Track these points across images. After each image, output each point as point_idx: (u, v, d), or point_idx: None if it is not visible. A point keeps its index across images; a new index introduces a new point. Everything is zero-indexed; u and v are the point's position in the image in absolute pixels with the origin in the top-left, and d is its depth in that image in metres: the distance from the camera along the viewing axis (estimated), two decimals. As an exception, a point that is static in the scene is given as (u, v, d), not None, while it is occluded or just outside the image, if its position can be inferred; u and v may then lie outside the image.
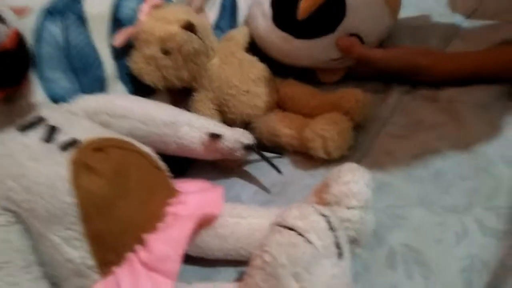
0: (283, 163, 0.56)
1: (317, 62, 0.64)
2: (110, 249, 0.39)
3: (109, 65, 0.56)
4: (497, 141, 0.51)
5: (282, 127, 0.57)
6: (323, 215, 0.34)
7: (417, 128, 0.56)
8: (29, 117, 0.42)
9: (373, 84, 0.63)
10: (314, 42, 0.61)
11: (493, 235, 0.42)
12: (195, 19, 0.55)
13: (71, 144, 0.41)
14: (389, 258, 0.42)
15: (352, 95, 0.55)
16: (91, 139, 0.42)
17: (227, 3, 0.76)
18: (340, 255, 0.34)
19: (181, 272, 0.40)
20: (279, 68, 0.65)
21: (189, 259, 0.45)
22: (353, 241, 0.39)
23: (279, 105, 0.62)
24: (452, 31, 0.68)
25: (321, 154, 0.52)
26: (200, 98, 0.59)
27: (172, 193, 0.47)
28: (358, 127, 0.57)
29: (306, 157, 0.55)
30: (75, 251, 0.38)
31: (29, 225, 0.38)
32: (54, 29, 0.51)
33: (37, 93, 0.50)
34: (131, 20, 0.57)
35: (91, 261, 0.38)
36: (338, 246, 0.34)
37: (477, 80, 0.56)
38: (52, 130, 0.42)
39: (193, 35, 0.54)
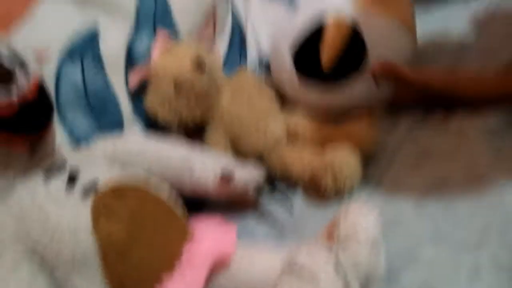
0: (295, 199, 0.57)
1: (355, 103, 0.61)
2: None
3: (125, 105, 0.58)
4: (509, 172, 0.51)
5: (293, 160, 0.58)
6: (332, 255, 0.35)
7: (427, 157, 0.57)
8: (52, 162, 0.44)
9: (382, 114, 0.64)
10: (344, 85, 0.59)
11: (507, 272, 0.42)
12: (205, 56, 0.57)
13: (91, 189, 0.42)
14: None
15: (360, 126, 0.56)
16: (109, 182, 0.43)
17: (236, 38, 0.78)
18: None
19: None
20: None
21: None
22: (365, 281, 0.40)
23: (289, 137, 0.63)
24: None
25: (332, 188, 0.53)
26: (213, 133, 0.60)
27: (188, 233, 0.47)
28: (368, 158, 0.58)
29: (317, 192, 0.56)
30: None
31: (53, 270, 0.39)
32: (73, 71, 0.54)
33: (59, 136, 0.52)
34: (145, 58, 0.59)
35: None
36: (347, 286, 0.35)
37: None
38: (74, 175, 0.43)
39: (204, 74, 0.55)
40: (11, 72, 0.38)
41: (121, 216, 0.41)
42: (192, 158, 0.53)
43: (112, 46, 0.57)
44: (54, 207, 0.40)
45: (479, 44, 0.69)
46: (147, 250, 0.41)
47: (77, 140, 0.53)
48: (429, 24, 0.70)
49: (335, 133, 0.59)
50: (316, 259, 0.34)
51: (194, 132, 0.62)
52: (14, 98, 0.38)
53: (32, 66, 0.45)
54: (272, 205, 0.56)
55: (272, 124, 0.61)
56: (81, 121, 0.54)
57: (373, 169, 0.57)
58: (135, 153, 0.51)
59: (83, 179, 0.43)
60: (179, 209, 0.48)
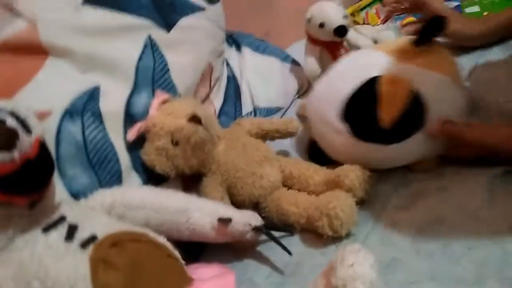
0: (294, 242, 0.57)
1: (412, 159, 0.60)
2: None
3: (124, 158, 0.60)
4: (501, 206, 0.51)
5: (289, 206, 0.59)
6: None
7: (421, 198, 0.57)
8: (52, 217, 0.45)
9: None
10: (407, 143, 0.57)
11: (507, 308, 0.41)
12: (200, 111, 0.60)
13: (89, 241, 0.43)
14: None
15: (352, 171, 0.57)
16: (108, 234, 0.44)
17: (231, 90, 0.82)
18: None
19: None
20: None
21: None
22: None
23: (285, 183, 0.65)
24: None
25: (328, 232, 0.53)
26: (210, 182, 0.62)
27: (186, 281, 0.48)
28: (364, 202, 0.59)
29: (315, 234, 0.56)
30: None
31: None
32: (73, 129, 0.56)
33: (59, 191, 0.53)
34: (143, 115, 0.62)
35: None
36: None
37: None
38: (73, 229, 0.44)
39: (199, 127, 0.58)
40: (14, 131, 0.40)
41: (119, 265, 0.41)
42: (189, 206, 0.54)
43: (112, 104, 0.61)
44: (53, 260, 0.41)
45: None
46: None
47: (76, 194, 0.54)
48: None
49: (328, 177, 0.60)
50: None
51: (192, 180, 0.63)
52: (17, 157, 0.39)
53: (33, 123, 0.48)
54: (271, 249, 0.57)
55: (267, 170, 0.62)
56: (81, 176, 0.55)
57: (369, 211, 0.58)
58: (134, 205, 0.52)
59: (82, 232, 0.44)
60: (177, 256, 0.49)
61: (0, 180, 0.38)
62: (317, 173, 0.63)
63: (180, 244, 0.52)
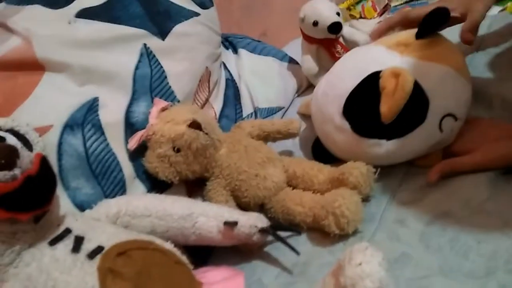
0: (301, 241, 0.57)
1: (414, 154, 0.60)
2: None
3: (127, 167, 0.60)
4: (507, 198, 0.51)
5: (294, 206, 0.58)
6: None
7: (427, 190, 0.57)
8: (57, 230, 0.45)
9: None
10: (408, 138, 0.57)
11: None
12: (200, 116, 0.60)
13: (96, 251, 0.43)
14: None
15: (356, 168, 0.57)
16: (114, 243, 0.44)
17: (230, 92, 0.82)
18: None
19: None
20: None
21: None
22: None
23: (289, 183, 0.64)
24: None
25: (335, 230, 0.53)
26: (213, 186, 0.62)
27: (195, 286, 0.48)
28: (369, 198, 0.59)
29: (322, 233, 0.56)
30: None
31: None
32: (74, 141, 0.56)
33: (63, 203, 0.53)
34: (143, 124, 0.62)
35: None
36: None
37: None
38: (79, 241, 0.44)
39: (200, 132, 0.58)
40: (15, 149, 0.40)
41: (127, 274, 0.41)
42: (194, 211, 0.54)
43: (112, 114, 0.61)
44: (60, 273, 0.41)
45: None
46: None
47: (80, 205, 0.54)
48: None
49: (332, 175, 0.60)
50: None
51: (196, 185, 0.63)
52: (18, 175, 0.39)
53: (34, 138, 0.48)
54: (279, 250, 0.56)
55: (271, 171, 0.62)
56: (84, 187, 0.56)
57: (375, 207, 0.57)
58: (139, 213, 0.53)
59: (88, 243, 0.44)
60: (185, 262, 0.49)
61: (2, 197, 0.39)
62: (321, 172, 0.62)
63: (187, 248, 0.52)
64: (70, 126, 0.56)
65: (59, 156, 0.54)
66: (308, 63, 0.90)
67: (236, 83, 0.85)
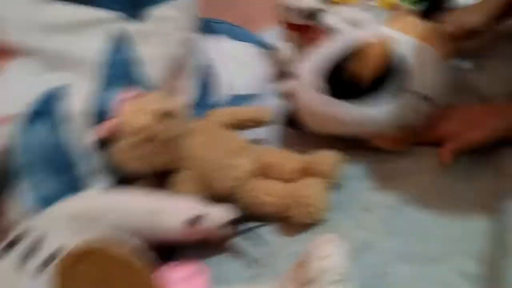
0: (269, 231, 0.58)
1: (381, 126, 0.60)
2: None
3: (92, 160, 0.59)
4: (468, 185, 0.53)
5: (263, 196, 0.59)
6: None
7: (392, 177, 0.58)
8: (13, 233, 0.45)
9: (349, 141, 0.66)
10: (378, 106, 0.59)
11: (473, 281, 0.43)
12: (170, 105, 0.59)
13: (54, 256, 0.42)
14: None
15: (325, 157, 0.58)
16: (73, 246, 0.43)
17: (205, 79, 0.81)
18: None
19: None
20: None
21: None
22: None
23: (260, 172, 0.64)
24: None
25: (303, 219, 0.54)
26: (183, 177, 0.61)
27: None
28: (338, 185, 0.60)
29: (290, 223, 0.56)
30: None
31: None
32: (37, 131, 0.55)
33: (25, 197, 0.53)
34: (111, 113, 0.61)
35: None
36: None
37: None
38: (35, 244, 0.44)
39: (169, 122, 0.57)
40: None
41: (85, 280, 0.40)
42: (158, 208, 0.53)
43: (80, 102, 0.60)
44: (15, 281, 0.40)
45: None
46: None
47: (43, 200, 0.54)
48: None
49: (301, 164, 0.60)
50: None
51: (165, 176, 0.63)
52: None
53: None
54: (245, 242, 0.57)
55: (241, 160, 0.62)
56: (47, 180, 0.55)
57: (343, 195, 0.58)
58: (100, 211, 0.51)
59: (46, 247, 0.43)
60: (145, 263, 0.49)
61: None
62: (291, 161, 0.62)
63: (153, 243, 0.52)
64: (34, 116, 0.55)
65: (20, 149, 0.53)
66: (287, 50, 0.89)
67: (212, 69, 0.84)
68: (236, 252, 0.57)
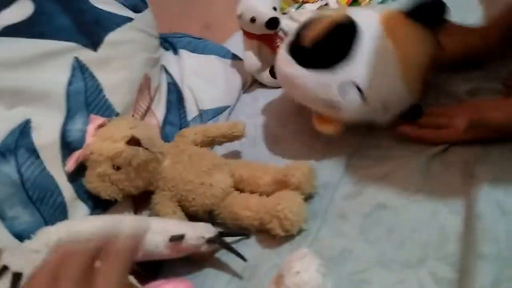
0: (250, 244, 0.59)
1: (316, 100, 0.62)
2: None
3: (66, 189, 0.58)
4: (437, 184, 0.54)
5: (242, 210, 0.59)
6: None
7: (365, 183, 0.59)
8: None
9: (323, 149, 0.68)
10: (313, 75, 0.60)
11: (448, 285, 0.44)
12: (139, 131, 0.59)
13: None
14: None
15: (298, 169, 0.59)
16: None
17: (173, 97, 0.81)
18: None
19: None
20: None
21: None
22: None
23: (236, 186, 0.65)
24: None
25: (280, 233, 0.55)
26: (160, 199, 0.62)
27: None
28: (313, 195, 0.61)
29: (270, 235, 0.57)
30: None
31: None
32: (7, 168, 0.54)
33: (0, 235, 0.52)
34: (81, 142, 0.60)
35: None
36: None
37: None
38: (17, 278, 0.43)
39: (139, 148, 0.57)
40: None
41: None
42: (138, 225, 0.53)
43: (46, 136, 0.58)
44: None
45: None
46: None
47: (19, 234, 0.52)
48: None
49: (275, 177, 0.61)
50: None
51: (143, 198, 0.63)
52: None
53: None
54: (229, 255, 0.57)
55: (217, 177, 0.62)
56: (22, 215, 0.54)
57: (318, 204, 0.59)
58: (82, 238, 0.51)
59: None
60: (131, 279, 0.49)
61: None
62: (266, 173, 0.63)
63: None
64: (1, 153, 0.54)
65: (-9, 188, 0.52)
66: (250, 60, 0.90)
67: (178, 87, 0.84)
68: (220, 266, 0.58)
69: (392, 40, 0.58)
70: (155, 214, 0.61)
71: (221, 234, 0.57)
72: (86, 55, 0.66)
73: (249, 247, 0.58)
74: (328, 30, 0.59)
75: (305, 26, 0.63)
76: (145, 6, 0.84)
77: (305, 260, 0.42)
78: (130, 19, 0.76)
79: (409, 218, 0.52)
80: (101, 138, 0.58)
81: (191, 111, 0.82)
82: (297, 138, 0.74)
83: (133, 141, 0.57)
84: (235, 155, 0.77)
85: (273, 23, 0.83)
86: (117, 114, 0.66)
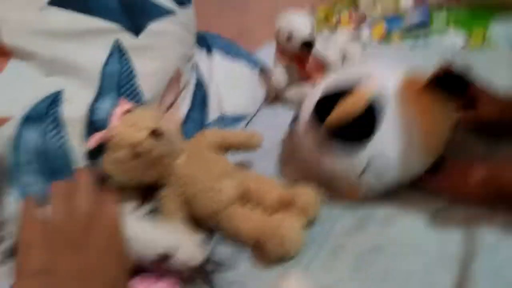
0: (242, 258, 0.60)
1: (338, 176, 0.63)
2: None
3: (81, 166, 0.60)
4: (438, 243, 0.55)
5: (241, 223, 0.61)
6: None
7: (366, 222, 0.61)
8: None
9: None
10: (338, 154, 0.60)
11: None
12: (163, 124, 0.60)
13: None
14: None
15: (306, 193, 0.60)
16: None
17: (199, 95, 0.82)
18: None
19: None
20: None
21: None
22: None
23: (242, 197, 0.66)
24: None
25: (275, 255, 0.56)
26: (168, 193, 0.63)
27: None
28: (315, 221, 0.62)
29: (263, 252, 0.58)
30: None
31: None
32: (32, 135, 0.56)
33: (12, 198, 0.53)
34: (105, 122, 0.61)
35: None
36: None
37: None
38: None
39: (161, 141, 0.59)
40: None
41: None
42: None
43: (75, 110, 0.60)
44: None
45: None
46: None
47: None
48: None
49: (282, 195, 0.63)
50: None
51: (149, 191, 0.64)
52: None
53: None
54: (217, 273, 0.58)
55: (226, 184, 0.64)
56: (36, 183, 0.55)
57: (318, 232, 0.61)
58: None
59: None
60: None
61: None
62: (273, 190, 0.65)
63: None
64: (30, 119, 0.55)
65: (14, 150, 0.54)
66: (280, 76, 0.92)
67: (205, 86, 0.86)
68: (209, 283, 0.58)
69: (417, 109, 0.58)
70: (161, 206, 0.63)
71: (206, 261, 0.57)
72: (126, 39, 0.68)
73: (241, 260, 0.60)
74: (355, 112, 0.58)
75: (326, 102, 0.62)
76: (189, 1, 0.86)
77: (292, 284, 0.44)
78: (173, 12, 0.77)
79: (402, 269, 0.53)
80: (126, 124, 0.59)
81: (213, 112, 0.84)
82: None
83: (156, 134, 0.58)
84: (245, 165, 0.78)
85: (308, 45, 0.85)
86: (144, 102, 0.68)
